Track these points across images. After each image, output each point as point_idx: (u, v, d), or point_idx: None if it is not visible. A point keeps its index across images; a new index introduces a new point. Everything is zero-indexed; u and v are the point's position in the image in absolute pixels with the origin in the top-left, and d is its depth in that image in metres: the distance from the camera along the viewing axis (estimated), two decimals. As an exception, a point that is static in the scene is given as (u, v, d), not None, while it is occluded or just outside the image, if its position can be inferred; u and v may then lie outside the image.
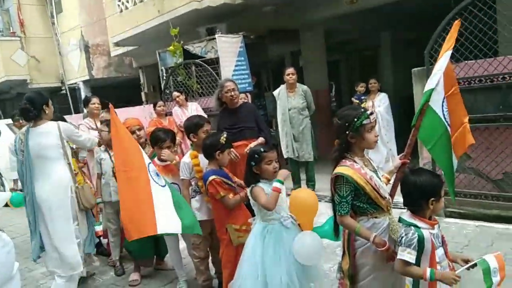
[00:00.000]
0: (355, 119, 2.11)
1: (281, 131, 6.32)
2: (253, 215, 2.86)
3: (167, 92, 8.00)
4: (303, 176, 6.42)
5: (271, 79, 9.15)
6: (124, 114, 5.78)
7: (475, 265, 1.89)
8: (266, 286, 2.56)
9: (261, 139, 4.21)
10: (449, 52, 2.42)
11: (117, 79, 15.28)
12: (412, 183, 1.98)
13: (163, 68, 8.34)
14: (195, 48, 7.55)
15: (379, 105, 6.47)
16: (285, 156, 6.31)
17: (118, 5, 9.57)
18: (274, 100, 6.44)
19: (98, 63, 14.62)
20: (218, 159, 3.08)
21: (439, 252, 1.96)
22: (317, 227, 2.75)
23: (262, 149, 2.67)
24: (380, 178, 2.21)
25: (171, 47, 7.45)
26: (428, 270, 1.86)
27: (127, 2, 9.30)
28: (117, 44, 10.47)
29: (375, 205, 2.13)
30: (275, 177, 2.65)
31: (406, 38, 11.09)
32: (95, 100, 5.30)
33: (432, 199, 1.93)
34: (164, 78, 8.25)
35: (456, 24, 2.57)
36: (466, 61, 4.46)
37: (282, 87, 6.25)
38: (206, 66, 7.10)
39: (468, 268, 1.90)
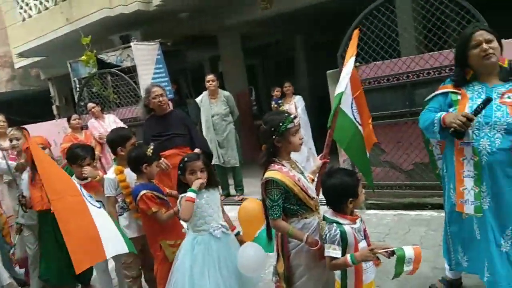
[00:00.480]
0: (280, 124, 2.17)
1: (206, 138, 6.28)
2: None
3: (82, 104, 7.57)
4: (231, 182, 6.44)
5: (191, 86, 9.07)
6: (34, 130, 5.37)
7: (394, 252, 2.02)
8: None
9: (197, 150, 3.99)
10: (353, 58, 2.63)
11: (24, 92, 14.11)
12: (330, 186, 2.11)
13: (75, 79, 7.89)
14: (110, 57, 7.24)
15: (297, 107, 6.69)
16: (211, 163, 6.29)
17: (20, 13, 8.87)
18: (197, 107, 6.39)
19: (0, 76, 13.40)
20: (145, 172, 2.98)
21: (362, 244, 2.08)
22: (255, 238, 2.78)
23: (185, 159, 2.65)
24: (306, 179, 2.29)
25: (84, 57, 7.07)
26: (348, 256, 1.98)
27: (30, 10, 8.65)
28: (21, 55, 9.69)
29: (304, 206, 2.20)
30: (202, 187, 2.65)
31: (319, 42, 11.62)
32: (0, 117, 4.86)
33: (350, 199, 2.06)
34: (78, 89, 7.81)
35: (356, 33, 2.81)
36: (375, 62, 4.79)
37: (205, 93, 6.23)
38: (123, 75, 6.85)
39: (388, 257, 2.03)
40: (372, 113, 4.78)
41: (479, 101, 2.35)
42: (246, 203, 2.87)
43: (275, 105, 6.84)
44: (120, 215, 3.13)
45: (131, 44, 6.88)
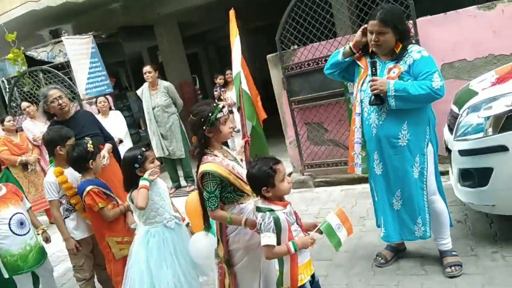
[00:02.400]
0: (210, 114, 2.19)
1: (149, 130, 6.18)
2: None
3: (14, 105, 7.13)
4: (181, 173, 6.38)
5: (131, 78, 8.80)
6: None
7: (321, 229, 2.10)
8: None
9: (108, 145, 3.82)
10: (238, 38, 2.78)
11: None
12: (248, 176, 2.15)
13: (3, 79, 7.38)
14: (40, 53, 6.84)
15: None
16: (156, 156, 6.17)
17: None
18: (138, 100, 6.23)
19: None
20: (92, 168, 2.90)
21: (293, 227, 2.11)
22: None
23: (143, 149, 2.64)
24: (240, 165, 2.34)
25: (10, 55, 6.61)
26: (290, 243, 2.02)
27: None
28: None
29: (240, 192, 2.26)
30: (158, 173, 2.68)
31: (257, 26, 11.64)
32: None
33: (264, 188, 2.07)
34: (7, 90, 7.33)
35: (231, 13, 2.91)
36: (312, 44, 4.89)
37: (145, 85, 6.07)
38: (56, 71, 6.49)
39: (321, 233, 2.11)
40: (314, 94, 5.00)
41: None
42: (191, 195, 2.87)
43: (220, 92, 6.80)
44: (66, 217, 3.02)
45: (62, 38, 6.52)
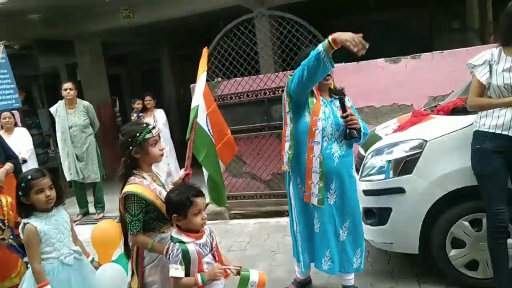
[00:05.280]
0: (138, 134, 2.14)
1: (61, 151, 5.79)
2: None
3: None
4: (90, 199, 6.02)
5: (44, 94, 8.26)
6: None
7: (240, 273, 2.07)
8: None
9: (8, 165, 3.54)
10: (204, 74, 2.75)
11: None
12: (165, 199, 2.10)
13: None
14: None
15: (157, 120, 6.51)
16: (68, 179, 5.80)
17: None
18: (50, 118, 5.85)
19: None
20: None
21: (206, 259, 2.07)
22: (115, 260, 2.64)
23: (29, 177, 2.35)
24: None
25: None
26: (198, 275, 1.98)
27: None
28: None
29: (164, 220, 2.19)
30: (50, 205, 2.39)
31: (183, 54, 11.67)
32: None
33: (175, 215, 2.03)
34: None
35: (205, 51, 2.91)
36: (235, 78, 5.02)
37: (61, 103, 5.75)
38: (-44, 80, 5.90)
39: (236, 274, 2.07)
40: (234, 127, 5.06)
41: (327, 110, 2.77)
42: (98, 225, 2.69)
43: (136, 118, 6.61)
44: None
45: (-33, 44, 5.98)
